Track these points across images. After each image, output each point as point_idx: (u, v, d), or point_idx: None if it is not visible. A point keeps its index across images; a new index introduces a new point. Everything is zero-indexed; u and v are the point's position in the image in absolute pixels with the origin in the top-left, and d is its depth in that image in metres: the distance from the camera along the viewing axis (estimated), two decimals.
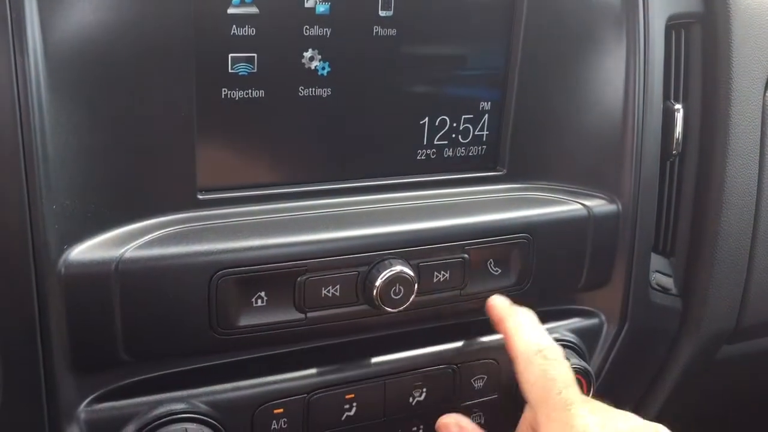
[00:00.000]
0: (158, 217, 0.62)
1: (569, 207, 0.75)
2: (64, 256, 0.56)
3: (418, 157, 0.73)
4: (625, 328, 0.82)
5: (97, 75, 0.57)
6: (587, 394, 0.76)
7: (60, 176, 0.55)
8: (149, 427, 0.61)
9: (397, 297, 0.66)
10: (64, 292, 0.56)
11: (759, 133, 0.87)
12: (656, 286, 0.85)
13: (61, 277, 0.56)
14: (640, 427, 0.59)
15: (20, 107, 0.53)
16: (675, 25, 0.81)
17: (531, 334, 0.64)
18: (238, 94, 0.63)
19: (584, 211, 0.75)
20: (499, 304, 0.69)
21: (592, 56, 0.75)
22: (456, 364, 0.73)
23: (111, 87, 0.57)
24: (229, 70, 0.62)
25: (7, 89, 0.53)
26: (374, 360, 0.70)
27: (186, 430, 0.61)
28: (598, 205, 0.76)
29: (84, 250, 0.57)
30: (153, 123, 0.60)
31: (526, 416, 0.67)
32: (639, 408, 0.99)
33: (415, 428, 0.73)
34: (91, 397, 0.61)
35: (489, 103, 0.74)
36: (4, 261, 0.54)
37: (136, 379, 0.62)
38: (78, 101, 0.56)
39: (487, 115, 0.74)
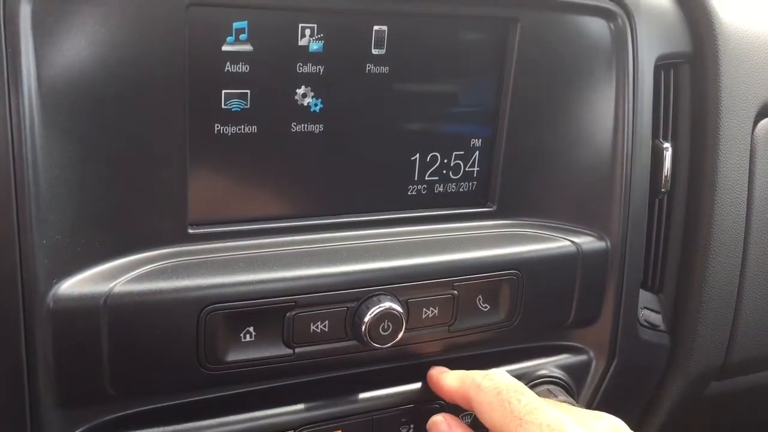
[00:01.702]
0: (148, 251, 0.62)
1: (558, 244, 0.75)
2: (53, 291, 0.56)
3: (408, 193, 0.73)
4: (614, 364, 0.82)
5: (91, 110, 0.57)
6: None
7: (51, 211, 0.55)
8: None
9: (385, 333, 0.66)
10: (52, 327, 0.56)
11: (747, 171, 0.88)
12: (645, 323, 0.86)
13: (49, 311, 0.56)
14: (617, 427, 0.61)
15: (13, 142, 0.53)
16: (664, 65, 0.82)
17: (469, 372, 0.67)
18: (230, 130, 0.64)
19: (573, 248, 0.75)
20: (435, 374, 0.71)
21: (582, 95, 0.75)
22: (443, 401, 0.72)
23: (104, 122, 0.58)
24: (222, 106, 0.63)
25: (1, 123, 0.53)
26: (362, 395, 0.70)
27: None
28: (587, 242, 0.76)
29: (73, 285, 0.57)
30: (145, 158, 0.60)
31: None
32: None
33: None
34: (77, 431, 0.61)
35: (480, 139, 0.75)
36: None
37: (122, 414, 0.62)
38: (71, 136, 0.56)
39: (477, 152, 0.75)
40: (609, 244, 0.77)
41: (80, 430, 0.61)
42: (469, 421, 0.74)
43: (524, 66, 0.72)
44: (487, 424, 0.61)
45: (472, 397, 0.63)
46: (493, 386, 0.61)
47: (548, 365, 0.79)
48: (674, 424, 0.96)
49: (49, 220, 0.55)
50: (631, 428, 0.95)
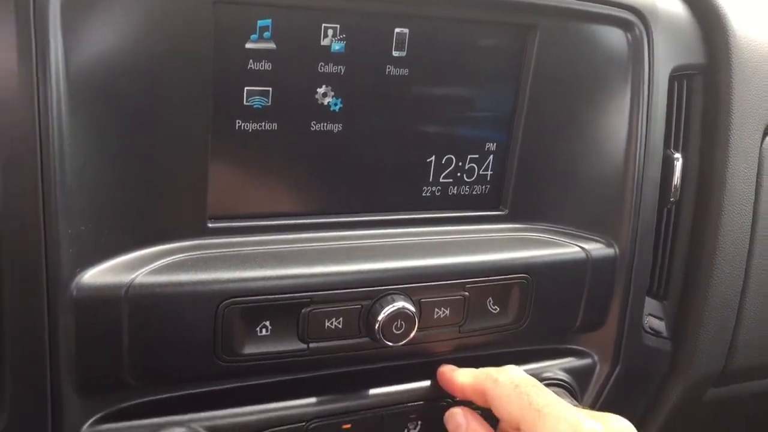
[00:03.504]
0: (169, 244, 0.63)
1: (568, 250, 0.76)
2: (76, 280, 0.57)
3: (423, 194, 0.74)
4: (617, 369, 0.83)
5: (116, 102, 0.58)
6: None
7: (76, 201, 0.57)
8: None
9: (398, 332, 0.67)
10: (75, 315, 0.57)
11: (754, 183, 0.90)
12: (648, 329, 0.87)
13: (72, 299, 0.57)
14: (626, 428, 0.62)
15: (40, 131, 0.54)
16: (678, 76, 0.83)
17: (483, 368, 0.69)
18: (251, 126, 0.65)
19: (582, 254, 0.76)
20: (447, 371, 0.73)
21: (597, 104, 0.77)
22: (451, 399, 0.74)
23: (129, 114, 0.59)
24: (244, 103, 0.64)
25: (29, 112, 0.54)
26: (372, 391, 0.71)
27: None
28: (596, 248, 0.77)
29: (96, 275, 0.58)
30: (168, 151, 0.61)
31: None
32: None
33: None
34: (95, 417, 0.62)
35: (494, 144, 0.76)
36: (18, 282, 0.55)
37: (139, 401, 0.63)
38: (97, 126, 0.58)
39: (492, 156, 0.76)
40: (618, 251, 0.78)
41: (99, 415, 0.62)
42: None
43: (541, 73, 0.73)
44: (504, 418, 0.63)
45: (489, 391, 0.65)
46: (509, 380, 0.64)
47: (553, 368, 0.80)
48: (672, 428, 0.97)
49: (75, 210, 0.57)
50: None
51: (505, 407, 0.62)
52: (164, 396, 0.64)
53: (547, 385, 0.78)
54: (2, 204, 0.54)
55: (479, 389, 0.67)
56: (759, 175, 0.90)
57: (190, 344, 0.62)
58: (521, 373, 0.66)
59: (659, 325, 0.89)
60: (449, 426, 0.71)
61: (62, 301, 0.57)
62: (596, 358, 0.83)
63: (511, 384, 0.63)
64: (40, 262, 0.55)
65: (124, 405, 0.63)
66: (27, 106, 0.54)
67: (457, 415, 0.70)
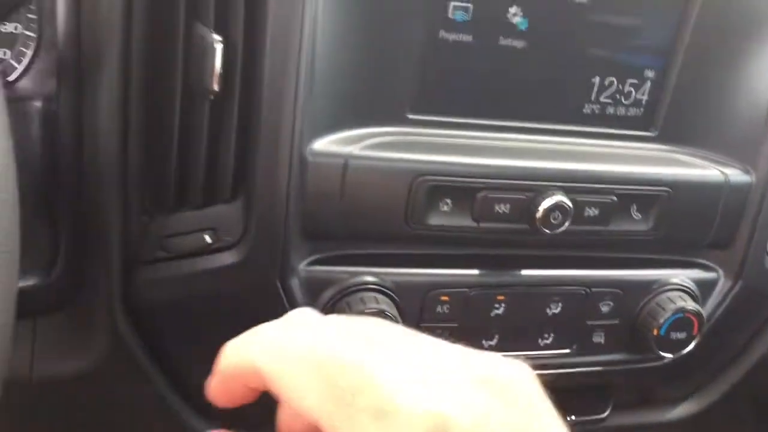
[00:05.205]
0: (377, 127, 0.77)
1: (708, 172, 0.85)
2: (310, 146, 0.72)
3: (584, 110, 0.85)
4: (738, 285, 0.92)
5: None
6: (696, 334, 0.89)
7: (318, 81, 0.71)
8: (348, 290, 0.77)
9: (554, 222, 0.79)
10: (308, 175, 0.72)
11: None
12: None
13: (306, 162, 0.72)
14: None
15: (303, 17, 0.68)
16: None
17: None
18: (451, 37, 0.77)
19: (722, 177, 0.85)
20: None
21: (754, 50, 0.84)
22: (589, 288, 0.86)
23: (371, 10, 0.72)
24: (448, 16, 0.76)
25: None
26: (524, 272, 0.84)
27: (376, 298, 0.77)
28: (734, 174, 0.86)
29: (324, 144, 0.73)
30: (384, 50, 0.74)
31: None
32: (726, 370, 1.10)
33: (546, 335, 0.87)
34: (310, 259, 0.77)
35: (653, 71, 0.85)
36: (271, 145, 0.70)
37: (343, 252, 0.78)
38: (342, 19, 0.71)
39: (649, 82, 0.85)
40: (754, 179, 0.87)
41: (313, 258, 0.77)
42: (602, 340, 0.90)
43: (707, 13, 0.82)
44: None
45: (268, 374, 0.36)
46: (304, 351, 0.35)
47: (681, 275, 0.90)
48: None
49: (315, 90, 0.71)
50: (741, 347, 1.06)
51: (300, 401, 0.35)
52: (363, 252, 0.79)
53: (674, 290, 0.89)
54: (268, 78, 0.69)
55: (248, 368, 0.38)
56: None
57: (388, 210, 0.75)
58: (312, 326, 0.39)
59: None
60: None
61: (301, 162, 0.71)
62: (720, 273, 0.92)
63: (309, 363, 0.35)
64: (290, 130, 0.70)
65: (332, 253, 0.78)
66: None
67: None
